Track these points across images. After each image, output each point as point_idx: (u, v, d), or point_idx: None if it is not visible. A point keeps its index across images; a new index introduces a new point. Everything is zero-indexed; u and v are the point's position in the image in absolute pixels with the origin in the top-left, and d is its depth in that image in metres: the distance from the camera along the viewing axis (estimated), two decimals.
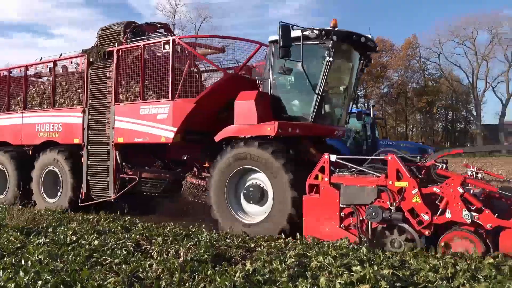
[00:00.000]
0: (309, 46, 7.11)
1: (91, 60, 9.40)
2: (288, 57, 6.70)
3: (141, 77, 8.62)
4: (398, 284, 3.91)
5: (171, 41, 8.21)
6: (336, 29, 7.03)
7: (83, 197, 9.42)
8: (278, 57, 7.54)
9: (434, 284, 4.03)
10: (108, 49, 9.19)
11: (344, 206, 6.27)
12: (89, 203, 9.34)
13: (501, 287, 3.80)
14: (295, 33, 6.99)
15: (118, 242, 5.92)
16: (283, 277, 4.18)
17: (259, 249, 5.68)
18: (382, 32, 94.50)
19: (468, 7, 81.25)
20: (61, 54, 10.15)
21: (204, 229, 7.04)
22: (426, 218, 5.66)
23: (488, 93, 69.47)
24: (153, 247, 5.63)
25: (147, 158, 9.52)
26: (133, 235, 6.38)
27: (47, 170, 10.09)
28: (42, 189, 10.18)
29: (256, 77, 8.21)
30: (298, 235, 6.42)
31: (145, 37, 8.96)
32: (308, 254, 5.17)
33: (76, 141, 9.55)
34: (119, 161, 8.88)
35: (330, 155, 6.53)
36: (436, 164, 6.09)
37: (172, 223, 7.74)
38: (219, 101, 8.33)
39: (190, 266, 4.51)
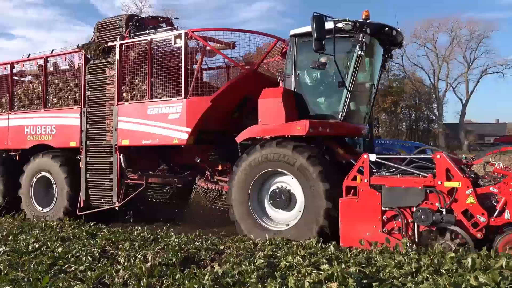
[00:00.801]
0: (338, 39, 6.69)
1: (89, 56, 8.63)
2: (322, 50, 6.25)
3: (148, 74, 7.96)
4: (364, 281, 3.96)
5: (183, 35, 7.61)
6: (368, 21, 6.65)
7: (82, 206, 8.63)
8: (301, 52, 7.14)
9: (399, 279, 4.09)
10: (109, 44, 8.45)
11: (387, 209, 5.90)
12: (89, 212, 8.56)
13: (462, 280, 3.87)
14: (327, 25, 6.54)
15: (83, 248, 5.78)
16: (252, 278, 4.15)
17: (229, 251, 5.62)
18: None
19: (429, 11, 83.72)
20: (52, 50, 9.31)
21: (172, 233, 6.82)
22: (482, 220, 5.35)
23: (448, 93, 71.83)
24: (119, 253, 5.48)
25: (151, 161, 8.85)
26: (98, 241, 6.22)
27: (38, 176, 9.23)
28: (33, 197, 9.29)
29: (277, 74, 7.73)
30: (266, 235, 6.33)
31: (151, 31, 8.30)
32: (278, 255, 5.17)
33: (73, 144, 8.75)
34: (123, 166, 8.17)
35: (370, 155, 6.14)
36: (492, 162, 5.79)
37: (139, 227, 7.42)
38: (234, 99, 7.82)
39: (158, 271, 4.47)
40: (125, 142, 8.11)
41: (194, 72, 7.84)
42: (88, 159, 8.58)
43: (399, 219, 5.84)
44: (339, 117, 6.93)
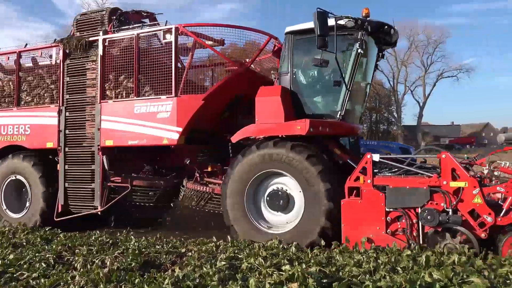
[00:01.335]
0: (338, 37, 6.54)
1: (68, 51, 8.09)
2: (325, 47, 6.08)
3: (134, 71, 7.53)
4: (324, 281, 4.01)
5: (173, 30, 7.25)
6: (368, 19, 6.54)
7: (59, 211, 8.07)
8: (297, 49, 6.96)
9: (358, 278, 4.16)
10: (91, 39, 7.95)
11: (391, 209, 5.80)
12: (68, 217, 8.01)
13: (417, 277, 3.98)
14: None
15: (37, 254, 5.58)
16: (213, 281, 4.12)
17: (190, 254, 5.56)
18: None
19: (387, 15, 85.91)
20: (26, 45, 8.67)
21: (132, 236, 6.65)
22: (489, 219, 5.33)
23: (407, 96, 73.84)
24: (76, 258, 5.31)
25: (135, 163, 8.41)
26: (54, 247, 5.99)
27: (9, 180, 8.56)
28: (3, 203, 8.62)
29: (272, 72, 7.50)
30: (229, 237, 6.25)
31: (137, 25, 7.89)
32: (239, 256, 5.14)
33: (49, 145, 8.18)
34: (106, 167, 7.70)
35: (373, 155, 6.03)
36: (498, 162, 5.80)
37: (98, 232, 7.20)
38: (226, 98, 7.55)
39: (116, 276, 4.36)
40: (109, 143, 7.64)
41: (181, 69, 7.50)
42: (67, 160, 8.03)
43: (403, 220, 5.75)
44: (338, 116, 6.78)
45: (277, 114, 6.61)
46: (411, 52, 65.90)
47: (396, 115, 69.12)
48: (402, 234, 5.77)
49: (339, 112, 6.79)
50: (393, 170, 6.25)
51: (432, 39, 62.79)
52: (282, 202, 6.55)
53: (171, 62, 7.26)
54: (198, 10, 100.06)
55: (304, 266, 4.51)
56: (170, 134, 7.18)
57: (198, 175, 7.79)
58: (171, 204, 8.10)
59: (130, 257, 5.10)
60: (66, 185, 8.03)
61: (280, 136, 6.67)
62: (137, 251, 5.45)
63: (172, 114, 7.18)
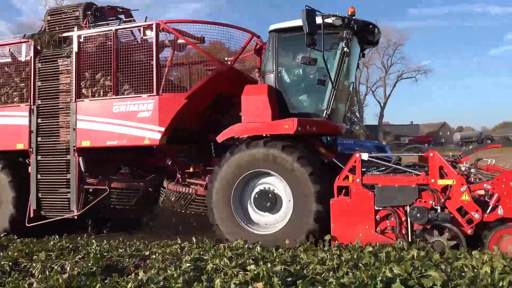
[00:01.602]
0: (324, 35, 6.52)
1: (40, 47, 7.68)
2: (314, 45, 6.03)
3: (113, 69, 7.23)
4: (289, 279, 4.04)
5: (154, 26, 7.00)
6: (354, 17, 6.54)
7: (31, 216, 7.64)
8: (282, 47, 6.90)
9: (322, 275, 4.22)
10: (65, 35, 7.58)
11: (380, 208, 5.83)
12: (40, 222, 7.60)
13: (378, 272, 4.07)
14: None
15: None
16: (178, 283, 4.08)
17: (154, 256, 5.49)
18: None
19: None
20: None
21: (94, 240, 6.48)
22: (476, 216, 5.45)
23: (368, 97, 75.72)
24: (34, 264, 5.09)
25: (112, 165, 8.10)
26: (10, 253, 5.71)
27: None
28: None
29: (256, 70, 7.39)
30: (194, 239, 6.18)
31: (115, 21, 7.58)
32: (205, 258, 5.10)
33: (20, 146, 7.73)
34: (82, 169, 7.35)
35: (362, 154, 6.04)
36: (484, 159, 5.92)
37: (57, 236, 6.91)
38: (209, 96, 7.38)
39: (76, 281, 4.21)
40: (86, 144, 7.30)
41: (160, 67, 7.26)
42: (39, 161, 7.62)
43: (392, 218, 5.79)
44: (324, 115, 6.75)
45: (264, 113, 6.51)
46: (372, 53, 67.58)
47: (358, 115, 70.60)
48: (391, 232, 5.81)
49: (325, 111, 6.76)
50: (381, 169, 6.29)
51: (392, 41, 64.56)
52: (270, 202, 6.47)
53: (151, 59, 7.01)
54: (163, 9, 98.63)
55: (269, 265, 4.54)
56: (152, 134, 6.94)
57: (179, 176, 7.58)
58: (151, 207, 7.85)
59: (91, 262, 4.94)
60: (39, 191, 7.62)
61: (265, 135, 6.57)
62: (98, 255, 5.28)
63: (153, 113, 6.94)
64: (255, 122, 6.56)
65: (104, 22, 7.61)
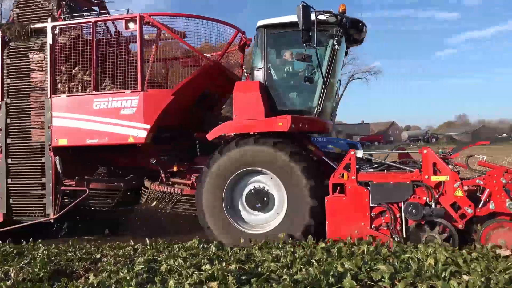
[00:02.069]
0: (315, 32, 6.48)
1: (8, 38, 7.13)
2: (310, 42, 5.97)
3: (92, 63, 6.83)
4: (244, 277, 4.07)
5: (138, 19, 6.69)
6: (345, 15, 6.54)
7: (1, 220, 7.09)
8: (271, 44, 6.80)
9: (276, 272, 4.28)
10: (38, 26, 7.07)
11: (375, 205, 5.86)
12: (12, 227, 7.06)
13: (331, 267, 4.21)
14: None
15: None
16: (131, 285, 4.03)
17: (106, 259, 5.36)
18: None
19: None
20: None
21: (41, 245, 6.26)
22: (469, 211, 5.58)
23: None
24: None
25: (89, 164, 7.68)
26: None
27: None
28: None
29: (244, 67, 7.24)
30: (147, 240, 6.11)
31: (92, 13, 7.18)
32: (158, 259, 5.06)
33: None
34: (59, 170, 6.90)
35: (356, 151, 6.06)
36: (476, 156, 6.08)
37: (0, 242, 6.55)
38: (195, 93, 7.15)
39: None
40: (63, 142, 6.86)
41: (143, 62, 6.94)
42: (9, 162, 7.08)
43: (387, 215, 5.84)
44: (315, 112, 6.71)
45: (257, 110, 6.37)
46: None
47: None
48: (386, 229, 5.86)
49: (316, 109, 6.72)
50: (374, 166, 6.33)
51: None
52: (262, 201, 6.35)
53: (129, 53, 6.71)
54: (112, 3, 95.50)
55: (224, 264, 4.55)
56: (136, 132, 6.62)
57: (163, 175, 7.29)
58: (131, 208, 7.50)
59: (38, 267, 4.74)
60: (9, 183, 7.08)
61: (253, 132, 6.45)
62: (46, 260, 5.08)
63: (138, 110, 6.63)
64: (248, 119, 6.41)
65: (79, 14, 7.18)
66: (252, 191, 6.39)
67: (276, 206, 6.40)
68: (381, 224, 5.89)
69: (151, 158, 7.21)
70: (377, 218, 5.89)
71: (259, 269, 4.45)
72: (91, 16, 7.03)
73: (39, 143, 7.03)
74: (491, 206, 5.58)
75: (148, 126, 6.59)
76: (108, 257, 5.41)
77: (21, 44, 7.12)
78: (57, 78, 6.99)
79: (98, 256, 5.49)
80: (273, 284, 3.87)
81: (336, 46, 6.54)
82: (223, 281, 3.94)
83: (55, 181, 6.90)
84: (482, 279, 3.88)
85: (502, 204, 5.55)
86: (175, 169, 7.36)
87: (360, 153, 6.06)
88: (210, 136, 6.55)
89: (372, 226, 5.88)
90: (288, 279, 3.97)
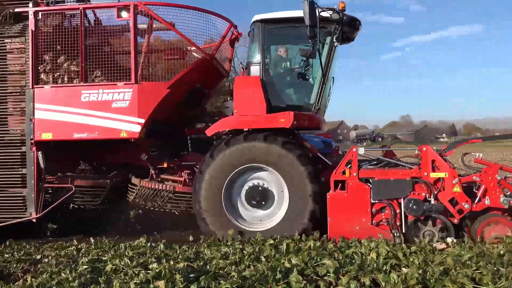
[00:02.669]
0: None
1: None
2: (315, 38, 5.93)
3: (80, 52, 6.42)
4: (192, 275, 4.07)
5: (132, 7, 6.35)
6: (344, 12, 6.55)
7: None
8: (268, 39, 6.71)
9: (225, 270, 4.32)
10: (18, 10, 6.55)
11: (376, 201, 5.95)
12: None
13: (278, 264, 4.31)
14: None
15: None
16: (73, 286, 3.95)
17: (47, 260, 5.20)
18: None
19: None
20: None
21: None
22: (467, 206, 5.80)
23: None
24: None
25: (70, 160, 7.25)
26: None
27: None
28: None
29: (240, 62, 7.09)
30: (92, 239, 6.03)
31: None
32: (104, 258, 4.94)
33: None
34: (42, 166, 6.44)
35: (358, 148, 6.12)
36: (472, 153, 6.28)
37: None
38: (188, 86, 6.92)
39: None
40: (47, 136, 6.39)
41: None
42: None
43: (386, 211, 5.94)
44: (313, 109, 6.69)
45: (258, 106, 6.27)
46: None
47: None
48: (386, 225, 5.96)
49: (314, 105, 6.71)
50: (373, 163, 6.42)
51: None
52: (262, 198, 6.27)
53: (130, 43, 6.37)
54: None
55: (172, 262, 4.52)
56: (130, 126, 6.30)
57: (153, 172, 7.01)
58: (117, 206, 7.16)
59: None
60: None
61: (246, 129, 6.35)
62: None
63: (132, 103, 6.31)
64: (249, 115, 6.29)
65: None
66: (253, 187, 6.30)
67: (275, 203, 6.33)
68: (381, 220, 5.99)
69: (142, 153, 6.89)
70: (377, 214, 5.98)
71: (208, 266, 4.45)
72: (79, 3, 6.59)
73: (17, 131, 6.52)
74: (487, 201, 5.82)
75: (143, 121, 6.29)
76: (50, 258, 5.22)
77: None
78: (39, 67, 6.50)
79: (39, 257, 5.29)
80: (221, 281, 3.87)
81: (335, 43, 6.56)
82: (171, 279, 3.89)
83: (38, 178, 6.43)
84: (420, 271, 4.08)
85: (496, 200, 5.81)
86: (165, 165, 7.09)
87: (362, 150, 6.12)
88: (209, 131, 6.38)
89: (373, 222, 5.96)
90: (236, 276, 4.00)
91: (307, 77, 6.55)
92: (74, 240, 6.04)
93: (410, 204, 5.79)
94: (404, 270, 4.24)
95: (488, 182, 5.85)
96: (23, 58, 6.53)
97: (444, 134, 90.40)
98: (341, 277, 4.04)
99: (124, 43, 6.59)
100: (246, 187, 6.33)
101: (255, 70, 6.69)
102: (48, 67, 6.49)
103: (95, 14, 6.94)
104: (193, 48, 7.65)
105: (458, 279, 3.96)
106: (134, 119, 6.30)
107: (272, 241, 5.42)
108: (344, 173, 6.04)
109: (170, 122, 7.11)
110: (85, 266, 4.45)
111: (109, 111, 6.33)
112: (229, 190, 6.32)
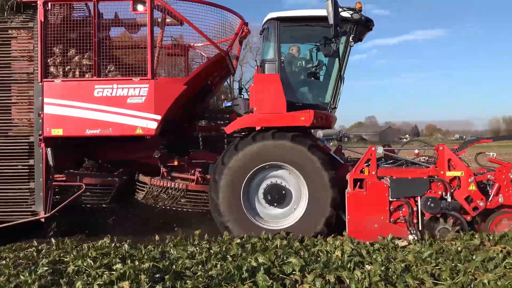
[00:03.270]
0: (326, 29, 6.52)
1: None
2: (338, 37, 5.97)
3: (94, 46, 6.18)
4: (157, 275, 4.07)
5: (149, 0, 6.18)
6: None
7: None
8: (284, 37, 6.71)
9: (191, 269, 4.34)
10: (25, 0, 6.24)
11: (394, 199, 6.04)
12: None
13: (245, 262, 4.39)
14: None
15: None
16: None
17: (4, 262, 5.01)
18: None
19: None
20: None
21: None
22: (481, 204, 5.98)
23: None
24: None
25: (75, 157, 6.99)
26: None
27: None
28: None
29: (255, 59, 7.03)
30: (53, 240, 5.89)
31: None
32: (65, 260, 4.85)
33: None
34: (51, 163, 6.16)
35: (377, 147, 6.20)
36: (487, 153, 6.47)
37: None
38: (201, 83, 6.82)
39: None
40: (57, 132, 6.12)
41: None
42: None
43: (404, 209, 6.05)
44: (328, 108, 6.73)
45: (279, 104, 6.24)
46: (246, 53, 69.50)
47: None
48: (403, 223, 6.06)
49: (329, 104, 6.75)
50: (389, 162, 6.51)
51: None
52: (281, 196, 6.27)
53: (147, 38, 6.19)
54: None
55: (137, 263, 4.47)
56: (146, 123, 6.13)
57: (164, 170, 6.85)
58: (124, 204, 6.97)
59: None
60: None
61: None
62: None
63: (148, 99, 6.13)
64: (269, 113, 6.26)
65: None
66: (272, 186, 6.28)
67: (293, 201, 6.34)
68: (399, 217, 6.08)
69: (155, 151, 6.72)
70: (395, 212, 6.07)
71: (174, 266, 4.42)
72: None
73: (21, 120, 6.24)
74: (500, 199, 6.01)
75: (159, 117, 6.13)
76: (7, 259, 5.04)
77: (3, 19, 6.24)
78: (48, 60, 6.22)
79: None
80: (187, 281, 3.85)
81: (352, 43, 6.62)
82: (135, 280, 3.85)
83: (46, 176, 6.15)
84: (382, 268, 4.22)
85: (509, 197, 6.01)
86: (175, 163, 6.95)
87: (380, 149, 6.20)
88: (229, 129, 6.34)
89: (391, 219, 6.05)
90: (202, 275, 3.99)
91: (319, 76, 6.59)
92: (34, 241, 5.87)
93: (428, 202, 5.91)
94: (368, 267, 4.36)
95: (502, 181, 6.04)
96: (31, 44, 6.22)
97: (407, 135, 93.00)
98: (306, 275, 4.11)
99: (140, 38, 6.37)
100: (264, 184, 6.31)
101: (271, 68, 6.66)
102: (58, 60, 6.21)
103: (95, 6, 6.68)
104: (198, 44, 7.58)
105: (419, 275, 4.11)
106: (150, 116, 6.13)
107: (239, 240, 5.43)
108: (362, 171, 6.11)
109: (176, 118, 6.97)
110: (45, 268, 4.33)
111: (124, 107, 6.13)
112: (247, 187, 6.27)
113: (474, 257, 4.70)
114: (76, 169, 6.95)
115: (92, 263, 4.41)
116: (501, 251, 4.91)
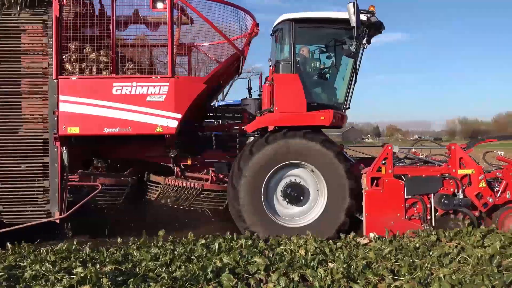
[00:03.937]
0: (343, 31, 6.68)
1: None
2: (359, 39, 6.12)
3: (112, 43, 6.05)
4: (120, 278, 4.04)
5: None
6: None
7: None
8: (299, 38, 6.81)
9: (155, 271, 4.32)
10: None
11: (409, 197, 6.26)
12: (6, 229, 5.90)
13: (210, 263, 4.45)
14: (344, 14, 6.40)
15: None
16: None
17: None
18: None
19: None
20: None
21: None
22: (491, 200, 6.30)
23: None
24: None
25: (85, 156, 6.81)
26: None
27: None
28: None
29: (269, 58, 7.07)
30: (8, 244, 5.63)
31: None
32: (22, 264, 4.73)
33: None
34: (66, 163, 5.97)
35: (393, 146, 6.39)
36: (494, 151, 6.78)
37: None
38: (215, 82, 6.80)
39: None
40: (74, 131, 5.93)
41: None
42: None
43: (417, 206, 6.28)
44: (342, 108, 6.88)
45: (299, 104, 6.33)
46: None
47: None
48: (417, 219, 6.29)
49: (343, 104, 6.90)
50: (402, 161, 6.73)
51: None
52: (300, 195, 6.35)
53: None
54: None
55: (98, 266, 4.41)
56: (166, 122, 6.04)
57: (178, 169, 6.79)
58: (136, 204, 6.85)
59: None
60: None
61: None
62: None
63: (168, 97, 6.05)
64: (289, 112, 6.34)
65: None
66: (290, 184, 6.35)
67: (310, 200, 6.43)
68: (413, 214, 6.30)
69: (170, 150, 6.63)
70: (409, 209, 6.29)
71: (137, 269, 4.40)
72: None
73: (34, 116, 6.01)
74: (508, 195, 6.35)
75: (180, 116, 6.06)
76: None
77: (15, 12, 5.97)
78: (64, 57, 6.03)
79: None
80: (150, 283, 3.83)
81: (366, 45, 6.79)
82: (97, 283, 3.80)
83: (61, 175, 5.95)
84: (345, 266, 4.39)
85: None
86: (188, 162, 6.89)
87: (396, 148, 6.40)
88: (251, 128, 6.39)
89: (406, 216, 6.27)
90: (166, 277, 3.97)
91: (333, 77, 6.73)
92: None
93: (442, 199, 6.16)
94: (331, 265, 4.49)
95: (510, 178, 6.38)
96: (45, 38, 6.00)
97: (369, 135, 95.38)
98: (271, 274, 4.17)
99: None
100: (283, 183, 6.37)
101: (286, 68, 6.73)
102: (74, 57, 6.03)
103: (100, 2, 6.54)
104: (205, 44, 7.53)
105: (379, 271, 4.28)
106: (171, 114, 6.05)
107: (204, 241, 5.43)
108: (379, 170, 6.29)
109: (191, 118, 6.92)
110: (0, 274, 4.17)
111: (144, 105, 6.02)
112: (266, 188, 6.32)
113: (431, 253, 4.92)
114: (83, 168, 6.75)
115: (51, 268, 4.29)
116: (456, 246, 5.16)
